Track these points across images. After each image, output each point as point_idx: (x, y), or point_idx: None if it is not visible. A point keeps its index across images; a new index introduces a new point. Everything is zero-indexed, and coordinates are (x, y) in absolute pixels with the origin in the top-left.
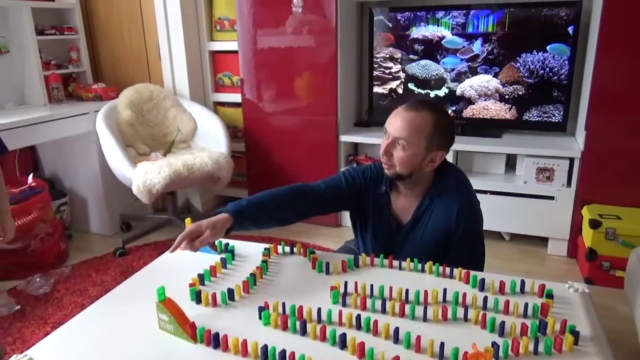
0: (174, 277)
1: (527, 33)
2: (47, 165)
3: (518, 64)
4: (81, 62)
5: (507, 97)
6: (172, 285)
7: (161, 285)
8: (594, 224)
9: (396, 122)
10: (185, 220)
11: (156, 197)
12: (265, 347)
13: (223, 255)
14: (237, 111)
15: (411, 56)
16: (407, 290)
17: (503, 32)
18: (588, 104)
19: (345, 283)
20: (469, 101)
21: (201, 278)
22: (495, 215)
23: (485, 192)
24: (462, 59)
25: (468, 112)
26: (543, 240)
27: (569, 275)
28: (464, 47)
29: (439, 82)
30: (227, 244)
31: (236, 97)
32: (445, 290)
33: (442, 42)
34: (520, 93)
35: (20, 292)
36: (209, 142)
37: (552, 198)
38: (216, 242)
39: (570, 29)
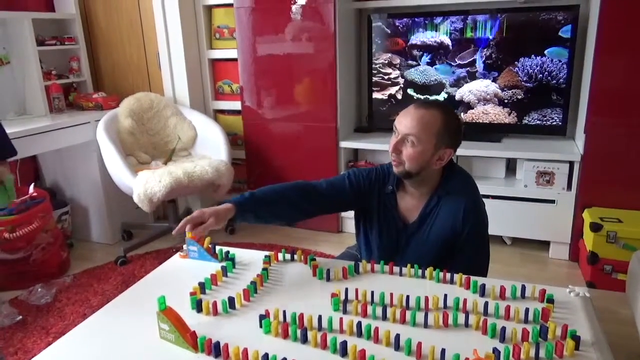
0: (175, 286)
1: (525, 37)
2: (48, 174)
3: (517, 68)
4: (82, 72)
5: (506, 101)
6: (173, 294)
7: (162, 295)
8: (595, 227)
9: (406, 120)
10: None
11: (157, 206)
12: (266, 355)
13: (223, 264)
14: (237, 119)
15: (410, 62)
16: (407, 297)
17: (501, 37)
18: (587, 107)
19: (346, 290)
20: (469, 106)
21: (202, 286)
22: (496, 219)
23: (486, 196)
24: (454, 68)
25: (468, 117)
26: (544, 244)
27: (571, 279)
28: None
29: (438, 87)
30: (228, 252)
31: (236, 105)
32: (445, 296)
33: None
34: (520, 97)
35: (22, 303)
36: (210, 150)
37: (552, 202)
38: (217, 250)
39: (568, 33)
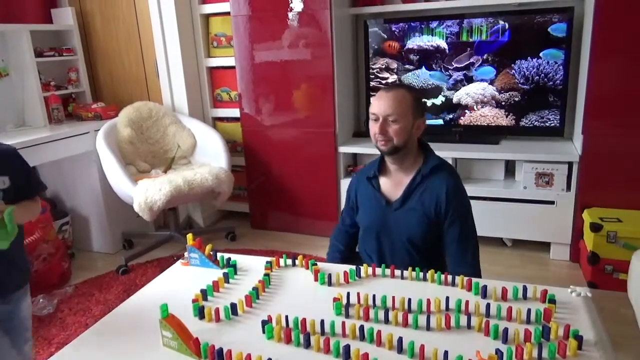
0: (177, 294)
1: (521, 40)
2: (48, 185)
3: (513, 70)
4: (80, 83)
5: (503, 103)
6: (175, 302)
7: (164, 302)
8: (595, 228)
9: (383, 103)
10: (187, 236)
11: (157, 214)
12: None
13: (225, 270)
14: (236, 126)
15: (407, 66)
16: (409, 300)
17: (497, 39)
18: (584, 108)
19: (348, 294)
20: (466, 109)
21: (204, 293)
22: (496, 221)
23: (485, 198)
24: (452, 72)
25: (465, 120)
26: (545, 245)
27: (572, 279)
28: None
29: (436, 91)
30: (229, 259)
31: (234, 112)
32: (447, 298)
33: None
34: (517, 99)
35: None
36: (209, 158)
37: (552, 203)
38: (218, 257)
39: (563, 35)
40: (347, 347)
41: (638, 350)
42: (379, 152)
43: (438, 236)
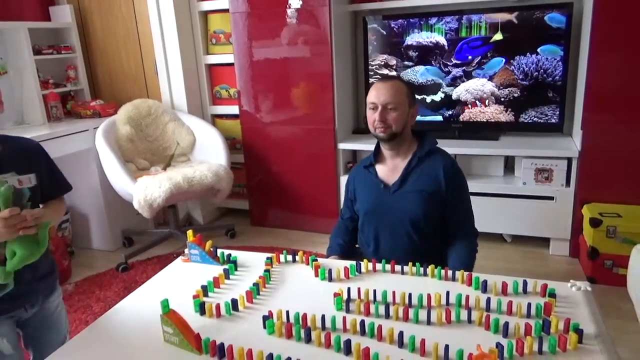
0: (178, 290)
1: (520, 36)
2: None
3: (512, 66)
4: (79, 80)
5: (502, 99)
6: (176, 298)
7: (165, 298)
8: (595, 223)
9: (382, 93)
10: (188, 232)
11: (157, 211)
12: (270, 355)
13: (226, 266)
14: (235, 123)
15: (406, 62)
16: (409, 294)
17: (496, 35)
18: (583, 104)
19: (348, 289)
20: (465, 105)
21: (205, 289)
22: (496, 217)
23: (484, 194)
24: (451, 68)
25: (465, 116)
26: (545, 241)
27: (571, 274)
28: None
29: (435, 87)
30: (230, 255)
31: (234, 109)
32: (447, 293)
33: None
34: (516, 95)
35: None
36: (208, 155)
37: (551, 198)
38: (218, 253)
39: (562, 30)
40: (348, 342)
41: (638, 344)
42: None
43: (439, 212)
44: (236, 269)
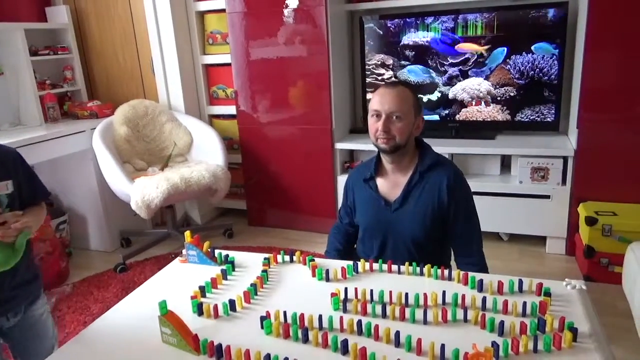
0: (175, 290)
1: (515, 35)
2: (44, 184)
3: (508, 66)
4: (76, 81)
5: (499, 98)
6: (174, 298)
7: (163, 299)
8: (591, 221)
9: (386, 101)
10: (185, 233)
11: (155, 212)
12: (268, 356)
13: (223, 267)
14: (232, 123)
15: (402, 62)
16: (406, 294)
17: (492, 35)
18: (579, 103)
19: (345, 289)
20: (462, 104)
21: (202, 290)
22: (493, 215)
23: (481, 193)
24: (447, 67)
25: (461, 115)
26: (541, 239)
27: (568, 273)
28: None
29: (431, 87)
30: (227, 256)
31: (231, 109)
32: (444, 292)
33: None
34: (512, 94)
35: None
36: (206, 155)
37: (547, 197)
38: (216, 254)
39: (557, 29)
40: (345, 342)
41: (633, 342)
42: (375, 148)
43: (442, 232)
44: (234, 270)
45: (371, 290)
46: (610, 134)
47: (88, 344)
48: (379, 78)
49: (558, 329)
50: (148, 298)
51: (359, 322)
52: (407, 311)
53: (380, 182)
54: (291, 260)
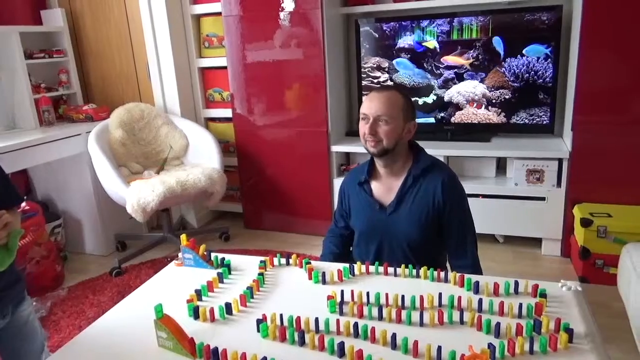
0: (171, 294)
1: (510, 38)
2: (39, 187)
3: (503, 68)
4: (71, 84)
5: (494, 101)
6: (170, 302)
7: (159, 303)
8: (586, 223)
9: (374, 104)
10: (181, 236)
11: (150, 215)
12: (264, 359)
13: (219, 270)
14: (228, 126)
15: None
16: (402, 296)
17: (487, 38)
18: (573, 105)
19: (342, 292)
20: (457, 107)
21: (198, 294)
22: (488, 217)
23: (477, 195)
24: (442, 70)
25: (457, 118)
26: (537, 241)
27: (563, 274)
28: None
29: (427, 90)
30: (223, 259)
31: (227, 112)
32: (440, 294)
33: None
34: (507, 97)
35: None
36: (202, 158)
37: (543, 199)
38: (212, 257)
39: (552, 32)
40: (342, 344)
41: (628, 343)
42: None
43: (437, 234)
44: (230, 273)
45: (367, 293)
46: (604, 136)
47: (83, 348)
48: (375, 81)
49: (554, 330)
50: (144, 302)
51: (356, 325)
52: (404, 313)
53: (374, 185)
54: (287, 263)
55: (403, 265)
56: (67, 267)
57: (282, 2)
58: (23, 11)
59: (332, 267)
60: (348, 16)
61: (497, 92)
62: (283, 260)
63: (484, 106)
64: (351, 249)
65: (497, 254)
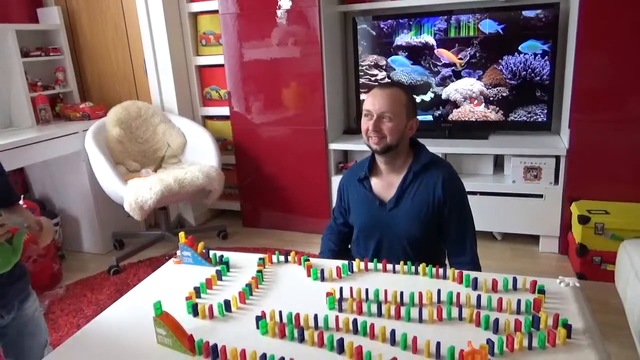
0: (170, 292)
1: (507, 35)
2: (37, 186)
3: (501, 66)
4: (68, 82)
5: (491, 99)
6: (169, 300)
7: (157, 300)
8: (583, 220)
9: (378, 101)
10: (180, 234)
11: (148, 213)
12: (264, 355)
13: (218, 268)
14: (226, 124)
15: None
16: (401, 293)
17: (484, 36)
18: (570, 103)
19: (341, 289)
20: (455, 104)
21: (197, 291)
22: (486, 215)
23: (475, 193)
24: (440, 68)
25: (454, 116)
26: (534, 239)
27: (561, 271)
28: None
29: (425, 87)
30: (222, 256)
31: (224, 110)
32: (439, 290)
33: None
34: (505, 94)
35: None
36: (199, 156)
37: (540, 196)
38: (211, 255)
39: (549, 30)
40: (341, 341)
41: (626, 339)
42: (369, 149)
43: (437, 231)
44: (228, 270)
45: (366, 290)
46: (602, 133)
47: (83, 345)
48: (373, 79)
49: (552, 326)
50: (142, 299)
51: (355, 321)
52: (403, 310)
53: (374, 182)
54: (286, 261)
55: (402, 262)
56: (64, 266)
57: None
58: (19, 9)
59: (331, 264)
60: (345, 14)
61: (495, 89)
62: (282, 258)
63: (482, 104)
64: (349, 246)
65: (495, 251)
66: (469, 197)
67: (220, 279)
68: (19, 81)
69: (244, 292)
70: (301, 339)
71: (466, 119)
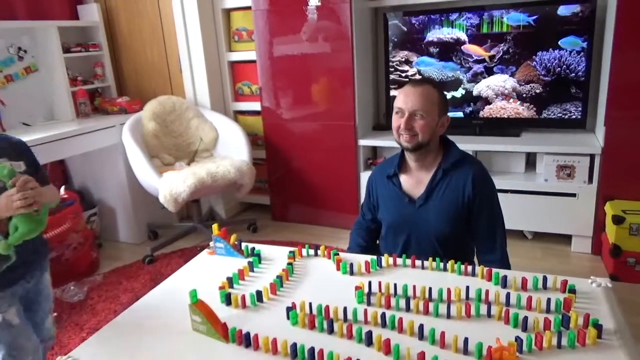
0: (204, 281)
1: (542, 31)
2: (76, 177)
3: (534, 62)
4: (106, 77)
5: (524, 95)
6: (202, 289)
7: (193, 288)
8: (618, 220)
9: (410, 99)
10: (213, 226)
11: (181, 206)
12: (294, 345)
13: (250, 259)
14: (257, 119)
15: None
16: (430, 289)
17: (518, 31)
18: (606, 100)
19: (370, 283)
20: (486, 101)
21: (230, 281)
22: (517, 214)
23: (506, 191)
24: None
25: (485, 112)
26: (566, 238)
27: (594, 272)
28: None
29: (456, 84)
30: (254, 248)
31: (256, 106)
32: (467, 287)
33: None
34: (538, 91)
35: (55, 300)
36: (231, 151)
37: (574, 195)
38: (243, 247)
39: (585, 25)
40: (369, 334)
41: None
42: (398, 145)
43: (466, 228)
44: (260, 262)
45: (395, 285)
46: (638, 131)
47: (122, 329)
48: (403, 75)
49: (582, 326)
50: (178, 288)
51: (383, 315)
52: (431, 305)
53: (403, 179)
54: (316, 254)
55: (430, 259)
56: (102, 254)
57: None
58: (61, 6)
59: (360, 259)
60: (376, 10)
61: (528, 86)
62: (311, 251)
63: (514, 100)
64: (378, 242)
65: (525, 250)
66: (499, 195)
67: (252, 270)
68: (61, 76)
69: (275, 283)
70: (330, 331)
71: (498, 115)
